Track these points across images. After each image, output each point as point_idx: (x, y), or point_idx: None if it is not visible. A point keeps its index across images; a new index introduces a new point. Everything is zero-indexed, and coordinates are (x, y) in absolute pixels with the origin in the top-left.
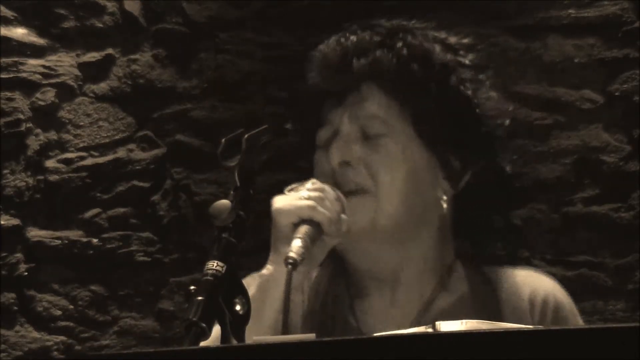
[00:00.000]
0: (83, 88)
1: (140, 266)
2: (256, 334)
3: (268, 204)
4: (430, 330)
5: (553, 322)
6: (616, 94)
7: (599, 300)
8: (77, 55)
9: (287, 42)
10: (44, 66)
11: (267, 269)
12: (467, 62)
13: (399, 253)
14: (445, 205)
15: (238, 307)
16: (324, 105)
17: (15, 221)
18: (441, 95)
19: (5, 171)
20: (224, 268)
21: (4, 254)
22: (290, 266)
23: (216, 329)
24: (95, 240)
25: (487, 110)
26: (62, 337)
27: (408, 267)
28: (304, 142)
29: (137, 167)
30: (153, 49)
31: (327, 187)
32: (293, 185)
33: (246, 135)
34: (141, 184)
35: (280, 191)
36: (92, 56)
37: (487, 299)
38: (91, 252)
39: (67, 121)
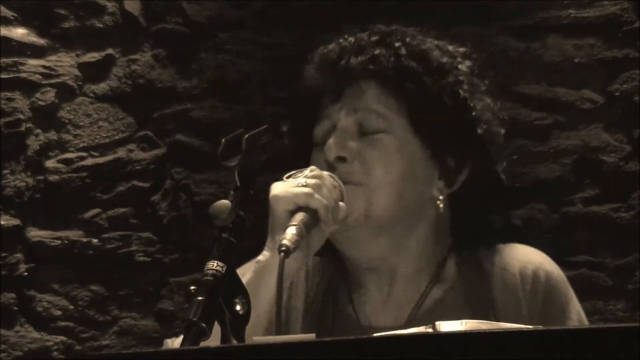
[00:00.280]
0: (83, 88)
1: (140, 266)
2: (252, 320)
3: (268, 204)
4: (430, 330)
5: (545, 294)
6: (616, 94)
7: (599, 300)
8: (77, 55)
9: (287, 42)
10: (44, 66)
11: (264, 255)
12: (464, 67)
13: (393, 246)
14: (441, 204)
15: (238, 307)
16: (322, 103)
17: (15, 221)
18: (438, 94)
19: (5, 171)
20: (224, 268)
21: (4, 254)
22: (282, 253)
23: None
24: (95, 240)
25: (482, 115)
26: (62, 337)
27: (404, 261)
28: (302, 140)
29: (137, 167)
30: (153, 49)
31: (325, 175)
32: (291, 172)
33: (246, 135)
34: (141, 184)
35: None
36: (92, 56)
37: (477, 280)
38: (91, 252)
39: (67, 121)
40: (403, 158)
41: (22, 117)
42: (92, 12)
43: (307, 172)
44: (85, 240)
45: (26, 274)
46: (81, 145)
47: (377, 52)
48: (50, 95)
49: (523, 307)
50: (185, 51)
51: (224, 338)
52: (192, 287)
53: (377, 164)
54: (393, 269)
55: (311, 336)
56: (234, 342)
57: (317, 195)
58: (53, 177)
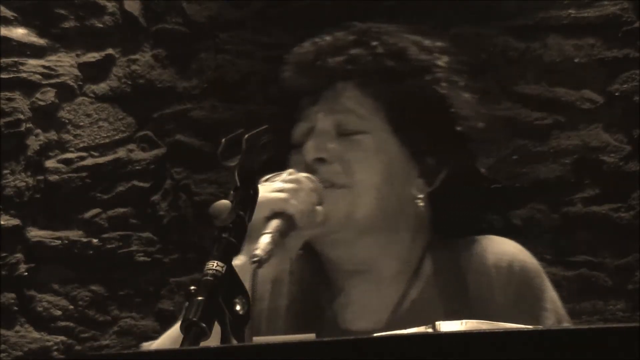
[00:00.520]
0: (83, 88)
1: (140, 266)
2: None
3: None
4: (430, 330)
5: (519, 285)
6: (616, 94)
7: (599, 300)
8: (77, 55)
9: (287, 42)
10: (44, 66)
11: (239, 259)
12: (442, 63)
13: (374, 248)
14: (421, 203)
15: (238, 307)
16: (300, 104)
17: (15, 221)
18: (416, 93)
19: (5, 171)
20: (224, 268)
21: (4, 254)
22: (254, 264)
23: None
24: (95, 240)
25: (461, 111)
26: (62, 337)
27: (384, 263)
28: (280, 141)
29: (137, 167)
30: (153, 49)
31: (303, 178)
32: (269, 176)
33: (246, 135)
34: (141, 184)
35: None
36: (92, 56)
37: (451, 274)
38: (91, 252)
39: (67, 121)
40: (383, 158)
41: (22, 117)
42: (92, 12)
43: (284, 175)
44: (85, 240)
45: (26, 274)
46: (81, 145)
47: (354, 52)
48: (50, 95)
49: (497, 298)
50: (185, 51)
51: (224, 338)
52: (192, 287)
53: (358, 165)
54: (374, 271)
55: (311, 336)
56: (234, 342)
57: (293, 201)
58: (53, 177)
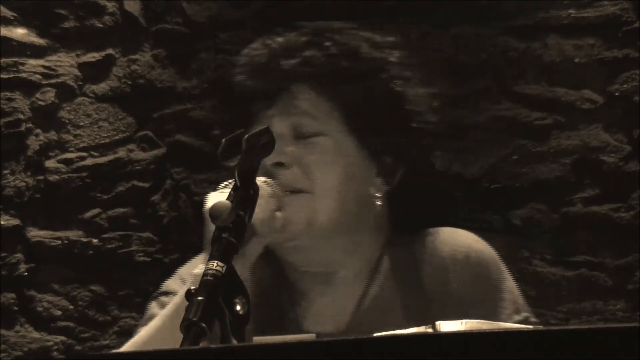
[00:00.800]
0: (83, 88)
1: (140, 266)
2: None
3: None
4: (430, 330)
5: (476, 276)
6: (616, 94)
7: (599, 300)
8: (77, 55)
9: None
10: (44, 66)
11: (200, 268)
12: (394, 59)
13: (336, 250)
14: (379, 202)
15: (238, 307)
16: (254, 108)
17: (15, 221)
18: (371, 92)
19: (5, 171)
20: (224, 268)
21: (4, 254)
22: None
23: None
24: (95, 240)
25: (415, 107)
26: (62, 337)
27: (345, 264)
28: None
29: (137, 167)
30: (153, 49)
31: (261, 183)
32: (227, 182)
33: (246, 136)
34: (141, 184)
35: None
36: (92, 56)
37: (408, 268)
38: (91, 252)
39: (67, 121)
40: (342, 160)
41: (22, 117)
42: (92, 12)
43: None
44: (85, 240)
45: (26, 274)
46: (81, 145)
47: (308, 53)
48: (50, 95)
49: (454, 289)
50: (185, 51)
51: (224, 338)
52: (192, 287)
53: (317, 168)
54: (335, 273)
55: (311, 336)
56: (234, 342)
57: None
58: (53, 177)
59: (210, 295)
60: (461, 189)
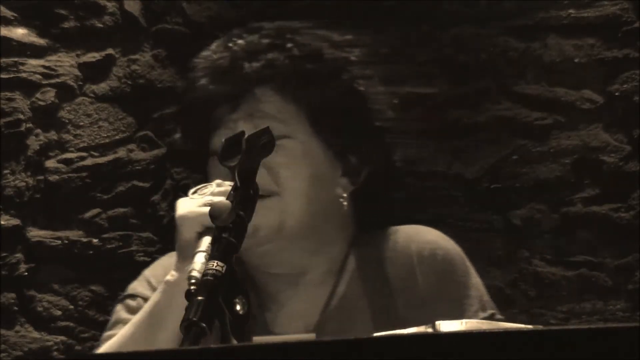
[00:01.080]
0: (83, 88)
1: (140, 266)
2: (163, 342)
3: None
4: (430, 330)
5: (442, 274)
6: (616, 94)
7: (599, 300)
8: (77, 55)
9: None
10: (44, 66)
11: (172, 275)
12: (354, 58)
13: (304, 252)
14: (344, 203)
15: (238, 307)
16: (217, 111)
17: (15, 221)
18: (335, 92)
19: (5, 171)
20: (224, 268)
21: (4, 254)
22: (192, 286)
23: None
24: (95, 240)
25: (377, 104)
26: (62, 337)
27: (313, 265)
28: (197, 149)
29: (137, 167)
30: (153, 49)
31: (229, 188)
32: (197, 187)
33: (246, 136)
34: (141, 184)
35: None
36: (92, 56)
37: (375, 266)
38: (91, 252)
39: (67, 121)
40: (308, 162)
41: (22, 117)
42: (92, 12)
43: (213, 186)
44: (85, 240)
45: (26, 274)
46: (81, 145)
47: (270, 56)
48: (50, 95)
49: (420, 286)
50: (185, 51)
51: (224, 338)
52: (192, 287)
53: (285, 171)
54: (303, 274)
55: (311, 336)
56: (234, 342)
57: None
58: (53, 177)
59: (210, 295)
60: (461, 189)
